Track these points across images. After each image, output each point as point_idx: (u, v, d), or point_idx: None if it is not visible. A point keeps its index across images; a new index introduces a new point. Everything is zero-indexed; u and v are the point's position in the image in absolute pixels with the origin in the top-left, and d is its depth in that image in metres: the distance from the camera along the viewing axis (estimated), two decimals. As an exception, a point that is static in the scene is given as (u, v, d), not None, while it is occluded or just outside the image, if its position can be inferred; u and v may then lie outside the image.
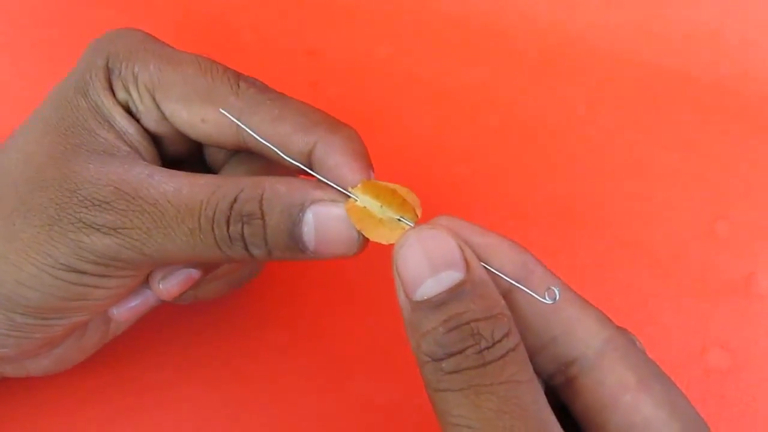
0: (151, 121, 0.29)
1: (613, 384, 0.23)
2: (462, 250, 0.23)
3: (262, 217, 0.25)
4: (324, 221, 0.25)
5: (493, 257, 0.24)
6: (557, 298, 0.24)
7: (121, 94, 0.28)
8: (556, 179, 0.39)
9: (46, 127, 0.27)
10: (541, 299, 0.24)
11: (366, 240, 0.26)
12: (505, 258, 0.24)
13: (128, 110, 0.28)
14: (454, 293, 0.22)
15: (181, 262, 0.28)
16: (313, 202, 0.25)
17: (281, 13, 0.46)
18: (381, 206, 0.25)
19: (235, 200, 0.25)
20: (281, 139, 0.27)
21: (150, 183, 0.26)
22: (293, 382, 0.34)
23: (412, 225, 0.25)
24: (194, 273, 0.29)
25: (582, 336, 0.24)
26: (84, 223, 0.25)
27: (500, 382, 0.21)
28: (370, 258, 0.37)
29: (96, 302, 0.27)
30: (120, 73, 0.28)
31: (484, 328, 0.22)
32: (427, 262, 0.23)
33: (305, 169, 0.27)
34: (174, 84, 0.28)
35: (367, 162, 0.27)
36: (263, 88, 0.28)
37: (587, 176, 0.39)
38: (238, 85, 0.28)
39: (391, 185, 0.26)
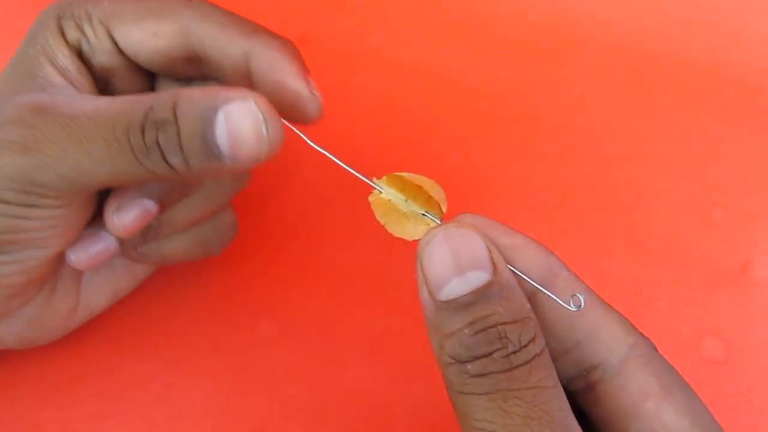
0: (104, 54, 0.29)
1: (636, 391, 0.23)
2: (489, 251, 0.23)
3: (176, 123, 0.25)
4: (234, 120, 0.25)
5: (518, 259, 0.24)
6: (582, 305, 0.23)
7: (73, 34, 0.29)
8: (551, 167, 0.39)
9: (7, 68, 0.29)
10: (566, 306, 0.23)
11: (281, 143, 0.26)
12: (531, 260, 0.24)
13: (78, 50, 0.29)
14: (480, 295, 0.22)
15: (105, 184, 0.27)
16: (226, 102, 0.25)
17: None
18: (406, 200, 0.25)
19: (150, 108, 0.25)
20: (226, 41, 0.28)
21: (71, 102, 0.26)
22: (283, 374, 0.34)
23: (437, 221, 0.24)
24: (150, 205, 0.28)
25: (606, 341, 0.24)
26: None
27: (528, 387, 0.21)
28: (363, 250, 0.37)
29: (31, 234, 0.27)
30: (72, 15, 0.29)
31: (511, 331, 0.21)
32: (453, 261, 0.22)
33: (326, 153, 0.27)
34: (128, 10, 0.29)
35: (303, 64, 0.28)
36: (213, 4, 0.29)
37: (582, 164, 0.39)
38: (190, 0, 0.29)
39: (417, 178, 0.25)
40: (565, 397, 0.22)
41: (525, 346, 0.21)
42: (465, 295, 0.22)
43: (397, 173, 0.25)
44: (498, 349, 0.21)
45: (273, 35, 0.29)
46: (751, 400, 0.33)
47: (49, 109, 0.26)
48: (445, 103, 0.41)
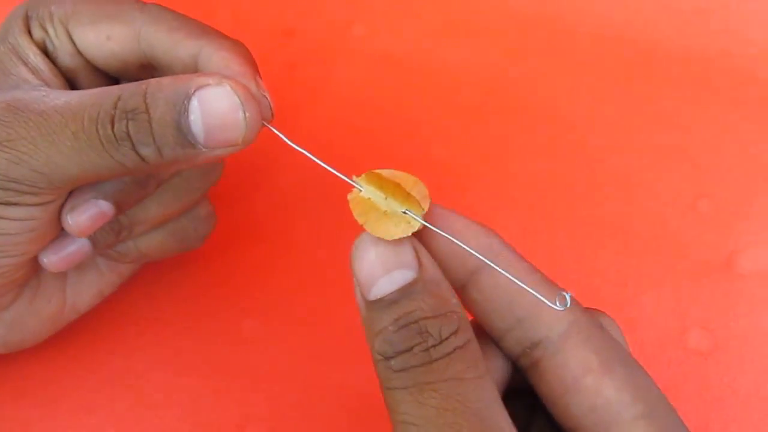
0: (66, 55, 0.29)
1: (575, 366, 0.23)
2: (415, 249, 0.23)
3: (147, 111, 0.25)
4: (209, 105, 0.25)
5: (458, 240, 0.24)
6: (568, 304, 0.23)
7: (38, 33, 0.29)
8: (537, 159, 0.39)
9: None
10: (552, 305, 0.23)
11: (258, 129, 0.26)
12: (471, 242, 0.24)
13: (45, 49, 0.29)
14: (405, 292, 0.22)
15: (81, 179, 0.27)
16: (199, 87, 0.25)
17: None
18: (386, 198, 0.24)
19: (119, 98, 0.25)
20: (175, 44, 0.28)
21: (43, 99, 0.26)
22: (266, 370, 0.34)
23: (419, 219, 0.24)
24: (104, 205, 0.28)
25: (546, 319, 0.24)
26: None
27: (444, 380, 0.21)
28: (344, 246, 0.37)
29: (7, 237, 0.27)
30: (37, 15, 0.29)
31: (432, 325, 0.22)
32: (380, 262, 0.23)
33: (303, 152, 0.26)
34: (85, 12, 0.29)
35: (254, 64, 0.28)
36: (167, 9, 0.29)
37: (568, 155, 0.39)
38: (144, 5, 0.29)
39: (398, 175, 0.24)
40: (493, 389, 0.22)
41: (446, 339, 0.22)
42: (391, 293, 0.22)
43: (376, 170, 0.24)
44: (418, 344, 0.22)
45: (223, 36, 0.28)
46: (736, 391, 0.33)
47: (21, 106, 0.26)
48: (429, 95, 0.41)
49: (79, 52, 0.29)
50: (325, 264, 0.37)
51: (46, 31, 0.29)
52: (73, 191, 0.28)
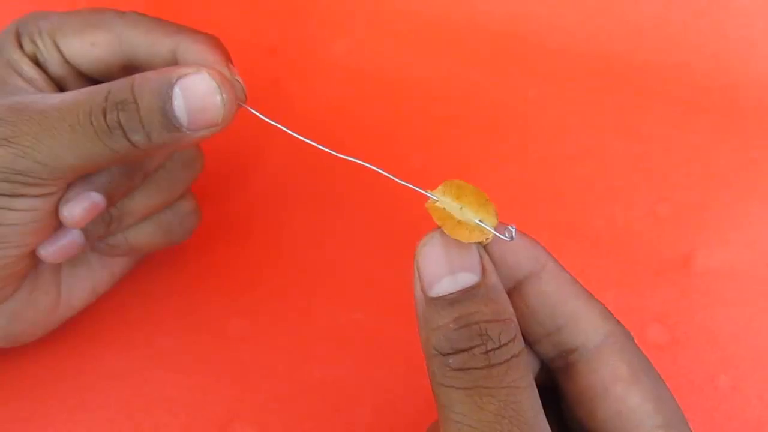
0: (55, 64, 0.32)
1: (607, 374, 0.25)
2: (481, 256, 0.24)
3: (135, 101, 0.27)
4: (190, 90, 0.27)
5: (508, 251, 0.26)
6: (513, 236, 0.25)
7: (29, 47, 0.32)
8: (505, 165, 0.41)
9: None
10: (502, 237, 0.25)
11: (235, 109, 0.28)
12: (521, 252, 0.26)
13: (36, 60, 0.32)
14: (467, 294, 0.23)
15: (79, 169, 0.29)
16: (180, 77, 0.27)
17: (245, 12, 0.48)
18: (461, 208, 0.26)
19: (109, 92, 0.28)
20: (153, 43, 0.31)
21: (41, 100, 0.29)
22: (254, 367, 0.36)
23: (491, 229, 0.25)
24: (96, 197, 0.31)
25: (585, 328, 0.25)
26: None
27: (502, 386, 0.22)
28: (329, 247, 0.39)
29: (12, 228, 0.29)
30: (27, 30, 0.32)
31: (492, 329, 0.23)
32: (447, 262, 0.24)
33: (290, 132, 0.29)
34: (70, 24, 0.32)
35: (225, 52, 0.31)
36: (144, 14, 0.32)
37: (535, 162, 0.41)
38: (124, 12, 0.32)
39: (473, 188, 0.26)
40: (538, 398, 0.23)
41: (504, 344, 0.23)
42: (453, 293, 0.23)
43: (456, 180, 0.26)
44: (478, 345, 0.22)
45: (196, 31, 0.31)
46: (692, 381, 0.34)
47: (22, 107, 0.28)
48: (406, 108, 0.43)
49: (66, 61, 0.32)
50: (313, 262, 0.39)
51: (36, 44, 0.32)
52: (68, 186, 0.31)
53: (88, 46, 0.31)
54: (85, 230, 0.32)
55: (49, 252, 0.32)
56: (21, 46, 0.32)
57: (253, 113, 0.30)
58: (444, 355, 0.23)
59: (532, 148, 0.41)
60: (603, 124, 0.42)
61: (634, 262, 0.37)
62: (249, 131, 0.32)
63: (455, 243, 0.24)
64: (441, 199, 0.26)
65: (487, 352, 0.22)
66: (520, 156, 0.41)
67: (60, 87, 0.32)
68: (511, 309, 0.24)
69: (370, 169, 0.28)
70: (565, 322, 0.25)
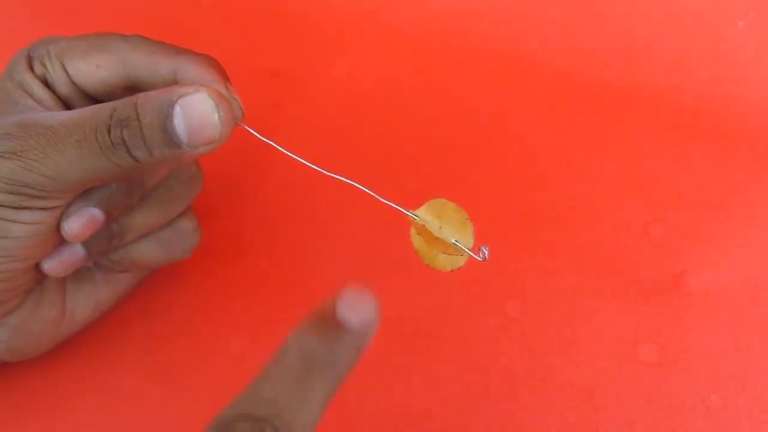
0: (62, 85, 0.33)
1: None
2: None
3: (138, 119, 0.29)
4: (190, 109, 0.29)
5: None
6: (486, 256, 0.28)
7: (39, 69, 0.33)
8: (501, 187, 0.42)
9: None
10: (476, 257, 0.28)
11: (232, 126, 0.30)
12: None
13: (45, 82, 0.33)
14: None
15: (83, 182, 0.30)
16: (180, 96, 0.29)
17: (247, 36, 0.49)
18: (440, 227, 0.28)
19: (114, 110, 0.29)
20: (154, 65, 0.32)
21: (48, 117, 0.30)
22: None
23: (465, 248, 0.27)
24: (96, 212, 0.32)
25: None
26: None
27: None
28: (331, 265, 0.40)
29: (17, 241, 0.30)
30: (38, 54, 0.33)
31: None
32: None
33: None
34: (77, 47, 0.33)
35: (223, 72, 0.32)
36: (146, 37, 0.33)
37: (530, 184, 0.42)
38: (127, 35, 0.33)
39: (452, 206, 0.28)
40: None
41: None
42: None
43: (441, 199, 0.28)
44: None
45: (195, 53, 0.33)
46: (684, 399, 0.35)
47: (31, 123, 0.30)
48: (405, 130, 0.44)
49: (72, 81, 0.33)
50: (311, 279, 0.39)
51: (45, 67, 0.33)
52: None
53: (93, 68, 0.33)
54: (88, 245, 0.33)
55: (52, 265, 0.33)
56: (32, 69, 0.33)
57: (249, 131, 0.31)
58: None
59: (526, 169, 0.42)
60: (596, 147, 0.42)
61: (626, 282, 0.38)
62: (249, 150, 0.33)
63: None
64: (421, 217, 0.27)
65: None
66: (515, 176, 0.42)
67: (67, 106, 0.34)
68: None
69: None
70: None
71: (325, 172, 0.30)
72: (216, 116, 0.29)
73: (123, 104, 0.29)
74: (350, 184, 0.30)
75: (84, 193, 0.32)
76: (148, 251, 0.35)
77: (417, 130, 0.44)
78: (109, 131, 0.29)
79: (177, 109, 0.29)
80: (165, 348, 0.38)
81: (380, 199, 0.28)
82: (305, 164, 0.31)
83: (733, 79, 0.44)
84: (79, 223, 0.32)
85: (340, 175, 0.30)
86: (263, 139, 0.31)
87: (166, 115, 0.29)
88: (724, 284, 0.38)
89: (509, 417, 0.35)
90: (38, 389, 0.37)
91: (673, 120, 0.43)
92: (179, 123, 0.29)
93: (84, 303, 0.36)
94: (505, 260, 0.39)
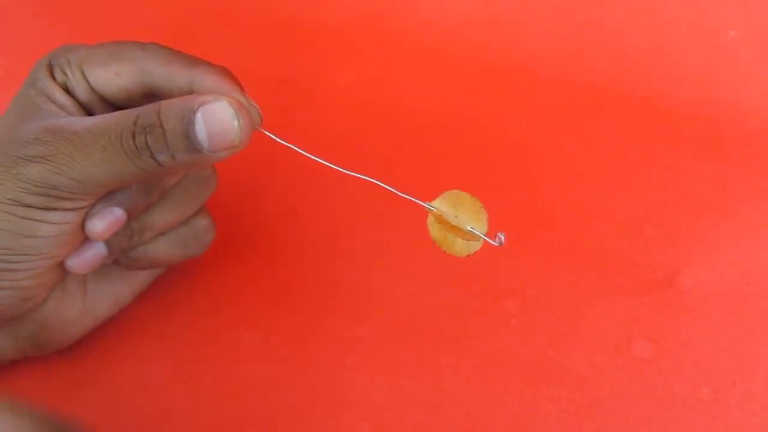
0: (82, 93, 0.34)
1: None
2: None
3: (161, 125, 0.30)
4: (211, 116, 0.30)
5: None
6: (503, 242, 0.29)
7: (60, 77, 0.34)
8: (501, 190, 0.43)
9: (7, 115, 0.34)
10: (492, 242, 0.30)
11: (251, 133, 0.31)
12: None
13: (66, 89, 0.34)
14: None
15: (108, 185, 0.32)
16: (201, 104, 0.30)
17: (257, 45, 0.50)
18: (456, 216, 0.29)
19: (137, 117, 0.31)
20: (171, 74, 0.33)
21: (74, 122, 0.31)
22: (265, 379, 0.38)
23: (481, 234, 0.29)
24: (118, 212, 0.33)
25: None
26: (21, 157, 0.31)
27: None
28: (342, 263, 0.41)
29: (45, 240, 0.32)
30: (58, 62, 0.34)
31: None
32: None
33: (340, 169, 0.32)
34: (96, 55, 0.34)
35: (238, 82, 0.33)
36: (163, 45, 0.34)
37: (530, 186, 0.43)
38: (145, 44, 0.34)
39: (466, 196, 0.30)
40: None
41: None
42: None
43: (455, 191, 0.30)
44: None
45: (210, 64, 0.34)
46: (676, 392, 0.36)
47: (58, 128, 0.31)
48: (408, 136, 0.45)
49: (92, 89, 0.34)
50: (323, 276, 0.41)
51: (66, 74, 0.34)
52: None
53: (112, 76, 0.34)
54: (109, 243, 0.35)
55: (75, 263, 0.34)
56: (53, 77, 0.34)
57: (268, 135, 0.32)
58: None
59: (525, 172, 0.44)
60: (593, 151, 0.44)
61: (621, 280, 0.39)
62: (261, 152, 0.35)
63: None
64: (438, 207, 0.29)
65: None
66: (515, 180, 0.43)
67: (88, 112, 0.35)
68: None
69: (377, 186, 0.31)
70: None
71: (343, 170, 0.31)
72: (236, 122, 0.31)
73: (146, 111, 0.31)
74: (365, 181, 0.32)
75: (106, 194, 0.33)
76: (165, 248, 0.37)
77: (419, 135, 0.46)
78: (133, 137, 0.30)
79: (198, 116, 0.30)
80: (178, 342, 0.39)
81: (398, 193, 0.29)
82: (322, 163, 0.32)
83: (725, 85, 0.45)
84: (103, 222, 0.33)
85: (359, 173, 0.31)
86: (281, 141, 0.32)
87: (188, 122, 0.30)
88: (715, 282, 0.39)
89: (508, 409, 0.36)
90: (54, 381, 0.38)
91: (668, 124, 0.44)
92: (200, 129, 0.30)
93: (103, 299, 0.37)
94: (505, 259, 0.40)
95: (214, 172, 0.38)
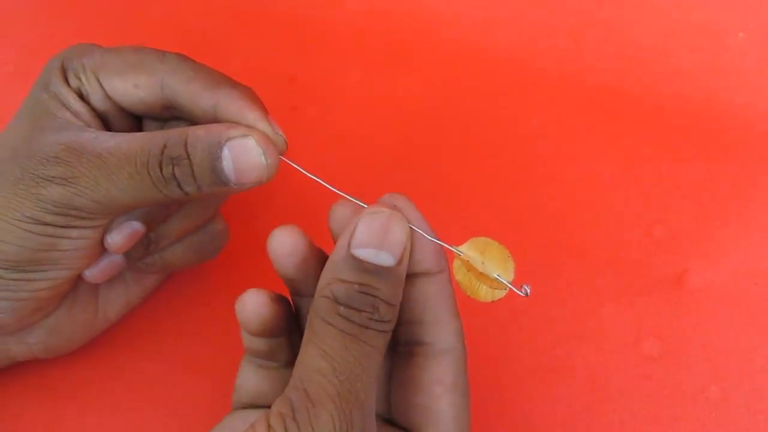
0: (97, 100, 0.34)
1: (436, 375, 0.29)
2: (405, 247, 0.28)
3: (188, 158, 0.30)
4: (238, 152, 0.30)
5: (423, 249, 0.29)
6: (528, 293, 0.29)
7: (74, 82, 0.33)
8: (512, 189, 0.43)
9: (20, 119, 0.33)
10: (518, 292, 0.29)
11: (277, 168, 0.31)
12: (429, 254, 0.29)
13: (80, 95, 0.33)
14: (380, 270, 0.27)
15: (131, 207, 0.31)
16: (228, 139, 0.30)
17: (266, 44, 0.51)
18: (483, 262, 0.30)
19: (164, 146, 0.30)
20: (193, 95, 0.32)
21: (95, 141, 0.31)
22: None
23: (507, 283, 0.29)
24: (137, 226, 0.33)
25: (441, 332, 0.30)
26: (41, 177, 0.30)
27: (369, 344, 0.26)
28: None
29: (65, 254, 0.32)
30: (72, 66, 0.33)
31: (383, 307, 0.27)
32: (381, 237, 0.27)
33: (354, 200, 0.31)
34: (113, 63, 0.33)
35: (262, 106, 0.32)
36: (185, 57, 0.34)
37: (540, 186, 0.43)
38: (164, 55, 0.33)
39: (495, 244, 0.30)
40: (381, 366, 0.28)
41: (386, 321, 0.27)
42: (371, 263, 0.27)
43: (482, 238, 0.30)
44: (368, 312, 0.26)
45: (234, 84, 0.33)
46: (684, 391, 0.36)
47: (79, 147, 0.30)
48: (416, 135, 0.46)
49: (108, 97, 0.34)
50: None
51: (81, 81, 0.33)
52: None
53: (131, 87, 0.33)
54: (127, 253, 0.35)
55: (93, 273, 0.34)
56: (67, 81, 0.33)
57: (293, 166, 0.32)
58: (337, 302, 0.26)
59: (534, 172, 0.44)
60: (601, 151, 0.44)
61: (630, 279, 0.40)
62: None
63: (397, 228, 0.28)
64: (466, 253, 0.29)
65: (371, 318, 0.26)
66: (524, 179, 0.44)
67: (103, 120, 0.34)
68: (401, 295, 0.28)
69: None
70: (430, 320, 0.30)
71: (356, 201, 0.30)
72: (263, 159, 0.30)
73: (173, 142, 0.30)
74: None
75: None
76: (180, 254, 0.37)
77: (428, 133, 0.46)
78: (161, 167, 0.30)
79: (226, 151, 0.30)
80: (188, 340, 0.40)
81: (425, 235, 0.29)
82: (334, 191, 0.31)
83: (734, 87, 0.45)
84: (122, 236, 0.33)
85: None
86: (306, 173, 0.32)
87: (216, 157, 0.30)
88: (723, 282, 0.39)
89: (517, 406, 0.37)
90: (68, 377, 0.38)
91: (676, 126, 0.44)
92: (227, 164, 0.30)
93: (115, 302, 0.37)
94: (515, 257, 0.40)
95: None
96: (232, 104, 0.32)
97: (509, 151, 0.45)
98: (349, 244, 0.27)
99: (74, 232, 0.31)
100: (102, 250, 0.34)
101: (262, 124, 0.31)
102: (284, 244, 0.30)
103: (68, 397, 0.38)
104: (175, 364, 0.39)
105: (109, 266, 0.35)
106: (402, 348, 0.30)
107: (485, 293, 0.30)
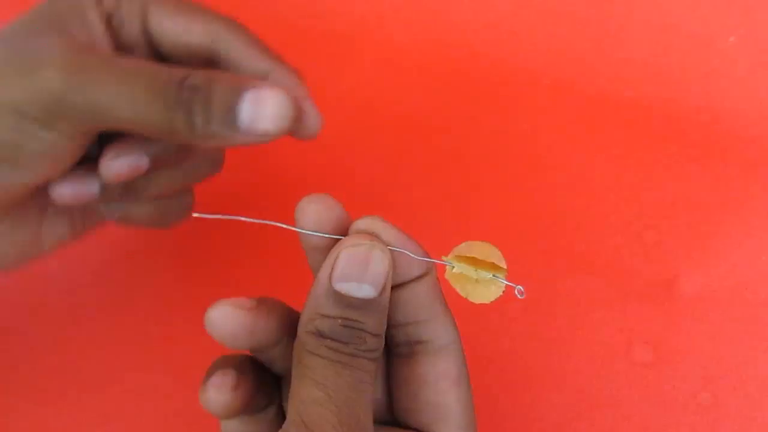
0: (130, 32, 0.32)
1: (441, 370, 0.29)
2: (387, 279, 0.27)
3: (209, 89, 0.29)
4: (261, 98, 0.29)
5: (408, 262, 0.29)
6: (523, 294, 0.29)
7: (109, 3, 0.32)
8: (503, 195, 0.43)
9: (32, 12, 0.31)
10: (518, 295, 0.29)
11: (286, 130, 0.30)
12: (415, 263, 0.29)
13: (109, 19, 0.31)
14: (363, 303, 0.27)
15: (123, 127, 0.30)
16: (258, 87, 0.29)
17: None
18: (476, 270, 0.29)
19: (189, 75, 0.29)
20: (250, 57, 0.32)
21: (110, 52, 0.30)
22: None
23: (504, 281, 0.29)
24: (143, 160, 0.32)
25: (439, 328, 0.29)
26: (36, 60, 0.28)
27: (361, 369, 0.26)
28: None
29: (32, 155, 0.30)
30: None
31: (369, 338, 0.27)
32: (364, 270, 0.27)
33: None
34: (170, 1, 0.32)
35: (307, 89, 0.33)
36: (246, 29, 0.33)
37: (531, 192, 0.43)
38: (224, 17, 0.33)
39: (476, 244, 0.29)
40: (374, 385, 0.28)
41: (372, 350, 0.27)
42: (354, 297, 0.27)
43: (463, 247, 0.29)
44: (355, 343, 0.26)
45: (288, 64, 0.34)
46: (676, 397, 0.37)
47: (92, 48, 0.29)
48: (408, 139, 0.45)
49: (144, 32, 0.32)
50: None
51: (120, 4, 0.31)
52: (122, 143, 0.31)
53: (181, 30, 0.32)
54: (105, 187, 0.33)
55: (62, 192, 0.32)
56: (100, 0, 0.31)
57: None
58: (322, 337, 0.26)
59: (525, 176, 0.44)
60: (593, 156, 0.44)
61: (621, 285, 0.40)
62: (273, 149, 0.34)
63: (378, 260, 0.27)
64: (458, 265, 0.29)
65: (358, 349, 0.26)
66: (516, 184, 0.44)
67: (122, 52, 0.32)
68: (386, 323, 0.28)
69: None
70: (426, 318, 0.29)
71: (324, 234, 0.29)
72: (283, 113, 0.29)
73: (199, 74, 0.29)
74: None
75: (139, 139, 0.31)
76: (146, 212, 0.35)
77: (421, 138, 0.46)
78: (180, 89, 0.29)
79: (249, 94, 0.29)
80: (182, 346, 0.39)
81: (410, 254, 0.28)
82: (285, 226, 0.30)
83: (725, 91, 0.45)
84: (125, 164, 0.31)
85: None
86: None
87: (237, 96, 0.29)
88: (714, 288, 0.39)
89: (509, 413, 0.37)
90: (55, 379, 0.38)
91: (667, 131, 0.44)
92: (246, 107, 0.29)
93: (55, 233, 0.35)
94: (507, 263, 0.40)
95: (223, 156, 0.37)
96: (286, 76, 0.32)
97: (500, 156, 0.45)
98: (330, 278, 0.27)
99: (48, 135, 0.29)
100: (70, 167, 0.31)
101: (308, 102, 0.32)
102: (225, 325, 0.29)
103: (52, 405, 0.38)
104: (162, 372, 0.39)
105: (84, 191, 0.33)
106: (400, 349, 0.30)
107: (482, 295, 0.30)
